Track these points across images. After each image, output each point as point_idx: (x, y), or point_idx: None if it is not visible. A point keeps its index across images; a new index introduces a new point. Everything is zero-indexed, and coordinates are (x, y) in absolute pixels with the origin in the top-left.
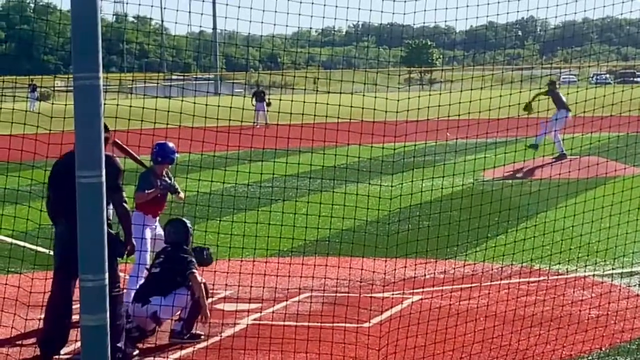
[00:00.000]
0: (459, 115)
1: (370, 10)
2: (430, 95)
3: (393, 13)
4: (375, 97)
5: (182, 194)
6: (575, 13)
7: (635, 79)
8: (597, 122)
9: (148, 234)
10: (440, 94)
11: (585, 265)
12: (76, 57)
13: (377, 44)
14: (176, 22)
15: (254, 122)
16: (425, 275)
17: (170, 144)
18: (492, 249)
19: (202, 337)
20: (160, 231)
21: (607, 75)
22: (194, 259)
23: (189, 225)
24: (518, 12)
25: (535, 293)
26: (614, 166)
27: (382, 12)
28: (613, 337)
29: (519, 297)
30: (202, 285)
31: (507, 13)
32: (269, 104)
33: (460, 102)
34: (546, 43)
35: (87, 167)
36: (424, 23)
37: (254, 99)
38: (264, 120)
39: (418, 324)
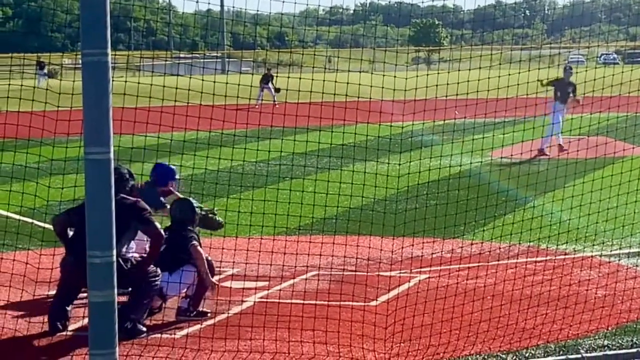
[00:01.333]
0: (467, 94)
1: None
2: (438, 74)
3: None
4: (384, 76)
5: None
6: None
7: None
8: (606, 101)
9: None
10: (448, 72)
11: (593, 245)
12: (85, 33)
13: (385, 22)
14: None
15: (257, 100)
16: (432, 254)
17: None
18: (499, 228)
19: (209, 314)
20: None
21: (615, 55)
22: (196, 235)
23: (195, 204)
24: None
25: (541, 272)
26: (622, 146)
27: None
28: (619, 316)
29: (525, 276)
30: (206, 261)
31: None
32: (277, 90)
33: (468, 81)
34: (554, 23)
35: (95, 144)
36: (432, 1)
37: (262, 83)
38: (272, 98)
39: (425, 302)
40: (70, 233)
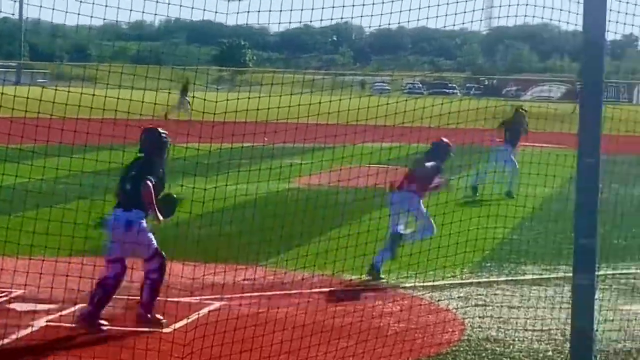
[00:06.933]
0: (277, 119)
1: (192, 8)
2: (247, 97)
3: (213, 11)
4: (194, 97)
5: None
6: (391, 24)
7: (446, 90)
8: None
9: None
10: (259, 97)
11: (388, 278)
12: None
13: (189, 41)
14: None
15: (178, 109)
16: (227, 281)
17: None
18: (301, 256)
19: (164, 322)
20: None
21: (420, 85)
22: (152, 173)
23: (164, 135)
24: (333, 19)
25: (340, 304)
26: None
27: (204, 9)
28: (419, 351)
29: (324, 307)
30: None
31: (321, 20)
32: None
33: (279, 107)
34: (360, 50)
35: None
36: (246, 23)
37: (180, 94)
38: (188, 116)
39: (214, 333)
40: None
